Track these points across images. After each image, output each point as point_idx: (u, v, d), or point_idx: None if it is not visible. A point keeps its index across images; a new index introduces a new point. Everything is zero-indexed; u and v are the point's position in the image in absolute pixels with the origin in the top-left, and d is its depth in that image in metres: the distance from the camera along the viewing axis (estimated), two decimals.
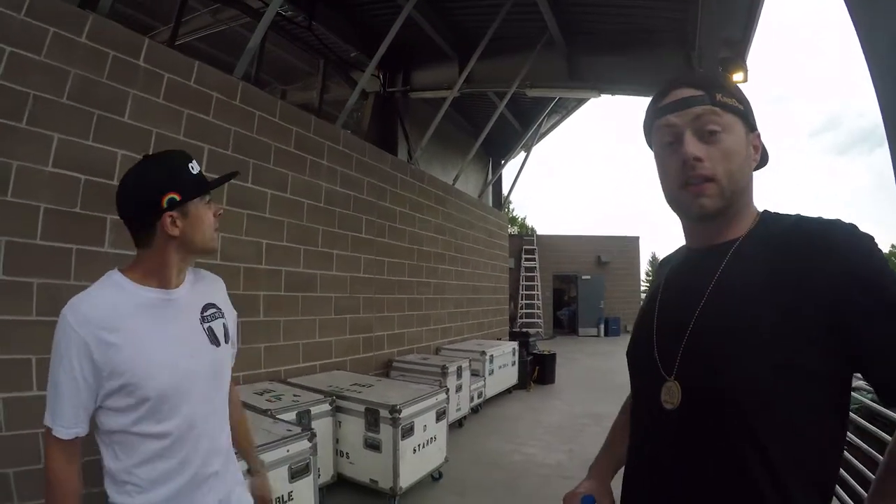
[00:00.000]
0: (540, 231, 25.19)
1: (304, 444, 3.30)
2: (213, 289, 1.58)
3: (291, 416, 3.91)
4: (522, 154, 13.48)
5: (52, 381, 1.29)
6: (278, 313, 5.05)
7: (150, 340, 1.31)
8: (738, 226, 1.03)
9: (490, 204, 12.95)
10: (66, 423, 1.26)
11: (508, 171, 13.70)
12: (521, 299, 18.57)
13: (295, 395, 4.28)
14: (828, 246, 0.88)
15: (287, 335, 5.14)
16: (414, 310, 7.69)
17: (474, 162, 10.43)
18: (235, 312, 1.65)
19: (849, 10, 1.29)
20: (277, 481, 2.97)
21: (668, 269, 1.19)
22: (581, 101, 12.12)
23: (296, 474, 3.12)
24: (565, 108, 12.79)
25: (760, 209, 1.07)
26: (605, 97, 8.81)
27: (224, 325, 1.52)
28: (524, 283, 18.85)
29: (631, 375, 1.19)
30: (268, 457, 2.91)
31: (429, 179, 8.43)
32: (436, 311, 8.39)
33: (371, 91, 8.97)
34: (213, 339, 1.46)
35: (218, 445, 1.47)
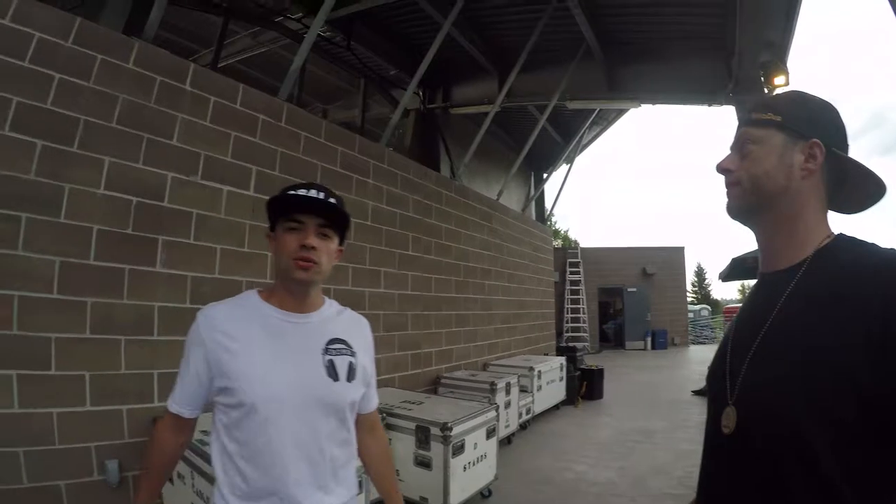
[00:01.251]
0: (583, 244, 24.91)
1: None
2: (350, 328, 1.57)
3: None
4: (564, 167, 13.39)
5: (180, 368, 1.44)
6: None
7: (260, 353, 1.37)
8: (798, 242, 1.05)
9: (533, 217, 12.88)
10: (176, 400, 1.44)
11: (550, 184, 13.60)
12: (567, 313, 18.32)
13: None
14: (893, 277, 0.87)
15: None
16: (461, 326, 7.66)
17: (516, 176, 10.42)
18: (372, 363, 1.63)
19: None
20: None
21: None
22: (622, 112, 12.04)
23: None
24: (606, 119, 12.71)
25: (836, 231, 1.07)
26: (645, 107, 8.71)
27: (351, 364, 1.49)
28: (569, 296, 18.60)
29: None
30: None
31: (473, 195, 8.44)
32: (483, 326, 8.34)
33: (411, 108, 9.05)
34: (331, 373, 1.43)
35: (320, 483, 1.41)
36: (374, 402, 1.66)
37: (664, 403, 9.07)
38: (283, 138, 4.74)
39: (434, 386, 6.73)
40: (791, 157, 1.03)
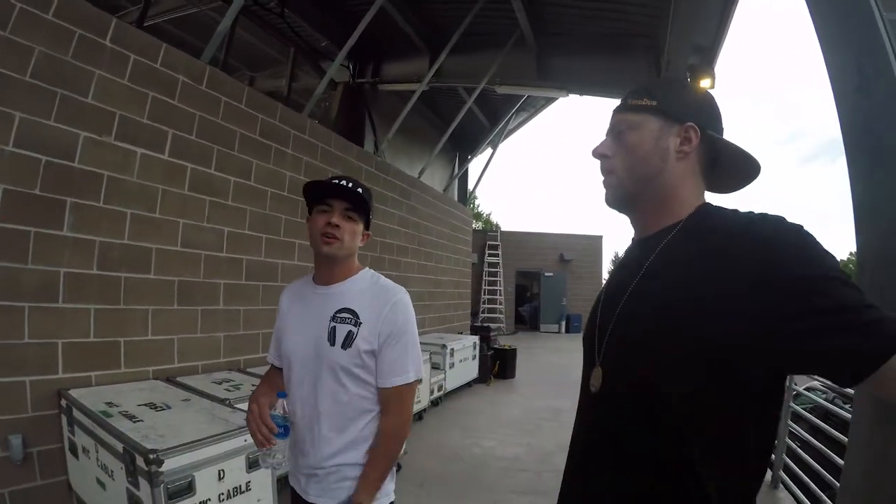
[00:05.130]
0: (504, 227, 25.34)
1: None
2: (368, 300, 1.69)
3: None
4: (489, 150, 13.52)
5: None
6: (238, 302, 4.99)
7: (291, 315, 1.78)
8: (670, 215, 1.07)
9: (455, 198, 12.97)
10: (269, 352, 1.91)
11: (474, 166, 13.72)
12: (484, 294, 18.65)
13: (253, 385, 4.19)
14: (753, 235, 0.89)
15: (247, 325, 5.08)
16: None
17: (441, 156, 10.45)
18: (389, 336, 1.66)
19: (816, 29, 1.33)
20: (235, 471, 2.93)
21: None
22: (549, 100, 12.24)
23: (253, 464, 3.06)
24: (533, 107, 12.89)
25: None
26: (573, 97, 8.89)
27: (350, 333, 1.64)
28: (487, 278, 18.93)
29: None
30: (226, 446, 2.86)
31: (394, 172, 8.42)
32: None
33: (340, 81, 8.88)
34: (330, 337, 1.64)
35: (312, 435, 1.65)
36: (387, 378, 1.66)
37: (573, 384, 9.12)
38: (203, 102, 4.55)
39: None
40: (667, 141, 1.06)
